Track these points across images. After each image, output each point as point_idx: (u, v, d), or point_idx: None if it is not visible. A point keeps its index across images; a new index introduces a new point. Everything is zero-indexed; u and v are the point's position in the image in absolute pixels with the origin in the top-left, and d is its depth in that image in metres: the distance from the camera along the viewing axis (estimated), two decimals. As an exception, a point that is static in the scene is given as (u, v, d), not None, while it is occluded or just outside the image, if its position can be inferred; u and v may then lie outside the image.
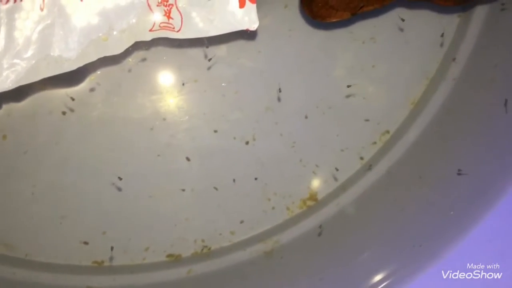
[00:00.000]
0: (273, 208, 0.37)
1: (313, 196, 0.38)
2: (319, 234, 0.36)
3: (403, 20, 0.35)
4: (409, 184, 0.35)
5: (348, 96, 0.37)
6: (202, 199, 0.37)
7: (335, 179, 0.38)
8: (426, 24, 0.37)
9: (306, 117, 0.37)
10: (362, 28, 0.37)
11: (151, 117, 0.35)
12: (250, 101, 0.37)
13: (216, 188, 0.37)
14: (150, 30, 0.28)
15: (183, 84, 0.36)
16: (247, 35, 0.36)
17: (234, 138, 0.37)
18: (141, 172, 0.36)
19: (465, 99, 0.35)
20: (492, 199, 0.29)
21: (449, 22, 0.37)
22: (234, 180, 0.37)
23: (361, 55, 0.37)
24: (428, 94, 0.38)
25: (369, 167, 0.37)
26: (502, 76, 0.33)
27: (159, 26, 0.28)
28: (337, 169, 0.38)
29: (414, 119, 0.37)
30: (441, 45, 0.36)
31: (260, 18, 0.37)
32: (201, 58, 0.35)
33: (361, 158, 0.38)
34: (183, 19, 0.28)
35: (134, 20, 0.27)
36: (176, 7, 0.27)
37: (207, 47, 0.34)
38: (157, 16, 0.27)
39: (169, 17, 0.27)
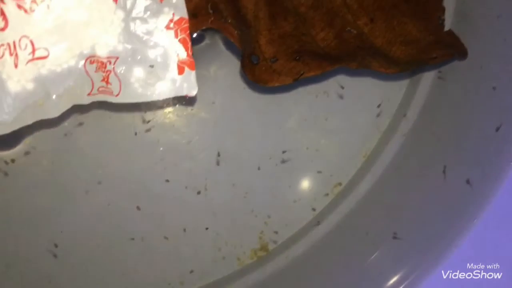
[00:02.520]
0: (223, 258, 0.37)
1: (264, 247, 0.38)
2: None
3: (342, 87, 0.36)
4: (355, 241, 0.35)
5: (299, 149, 0.38)
6: (151, 249, 0.37)
7: (287, 230, 0.38)
8: (369, 88, 0.37)
9: (258, 168, 0.38)
10: (316, 82, 0.38)
11: (90, 179, 0.35)
12: (203, 151, 0.37)
13: (166, 238, 0.37)
14: (88, 94, 0.28)
15: (135, 134, 0.36)
16: (200, 86, 0.36)
17: (186, 187, 0.37)
18: (88, 222, 0.35)
19: (410, 158, 0.36)
20: (428, 266, 0.29)
21: (398, 83, 0.37)
22: (184, 230, 0.37)
23: (314, 108, 0.38)
24: (380, 147, 0.38)
25: (317, 222, 0.37)
26: (441, 143, 0.33)
27: (98, 91, 0.28)
28: (289, 220, 0.38)
29: (365, 172, 0.38)
30: (378, 115, 0.37)
31: (216, 69, 0.38)
32: (139, 121, 0.35)
33: (313, 210, 0.38)
34: (121, 84, 0.28)
35: (71, 84, 0.27)
36: (114, 73, 0.27)
37: (145, 112, 0.35)
38: (95, 81, 0.27)
39: (107, 82, 0.28)
